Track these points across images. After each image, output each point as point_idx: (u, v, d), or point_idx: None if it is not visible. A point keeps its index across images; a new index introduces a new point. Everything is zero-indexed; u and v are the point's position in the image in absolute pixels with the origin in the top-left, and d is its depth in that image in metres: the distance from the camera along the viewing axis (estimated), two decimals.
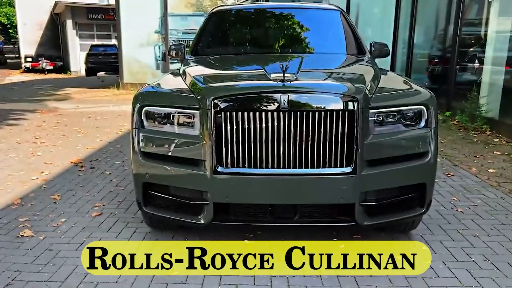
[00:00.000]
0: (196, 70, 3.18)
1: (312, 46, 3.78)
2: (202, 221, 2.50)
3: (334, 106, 2.32)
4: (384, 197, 2.51)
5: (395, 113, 2.48)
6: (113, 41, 27.02)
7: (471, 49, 7.89)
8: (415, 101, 2.54)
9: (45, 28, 29.12)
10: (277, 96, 2.31)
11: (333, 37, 3.96)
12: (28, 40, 28.63)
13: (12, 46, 46.63)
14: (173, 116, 2.52)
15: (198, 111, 2.45)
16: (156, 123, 2.58)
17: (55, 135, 6.54)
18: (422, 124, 2.55)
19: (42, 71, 25.94)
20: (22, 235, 3.07)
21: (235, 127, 2.34)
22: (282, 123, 2.30)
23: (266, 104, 2.32)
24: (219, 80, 2.82)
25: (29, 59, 26.86)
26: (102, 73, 23.17)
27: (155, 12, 11.67)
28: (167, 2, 11.48)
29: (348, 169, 2.34)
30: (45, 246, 2.92)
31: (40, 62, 26.46)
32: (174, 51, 4.20)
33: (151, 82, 3.00)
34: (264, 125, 2.31)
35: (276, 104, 2.30)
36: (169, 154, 2.51)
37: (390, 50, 4.16)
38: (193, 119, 2.48)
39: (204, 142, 2.39)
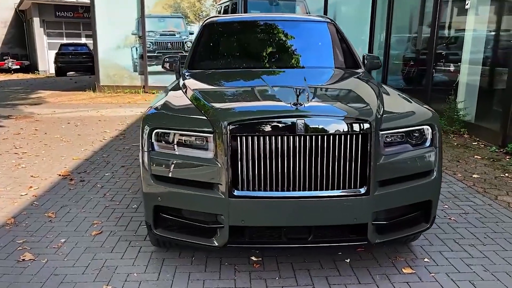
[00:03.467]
0: (202, 88, 3.16)
1: (311, 60, 3.83)
2: (216, 244, 2.51)
3: (349, 129, 2.38)
4: (393, 216, 2.59)
5: (403, 134, 2.56)
6: (84, 40, 26.37)
7: (448, 51, 8.14)
8: (421, 121, 2.63)
9: (9, 25, 28.06)
10: (293, 120, 2.35)
11: (330, 50, 4.03)
12: None
13: None
14: (185, 139, 2.52)
15: (211, 134, 2.45)
16: (168, 145, 2.56)
17: (36, 144, 6.36)
18: (428, 143, 2.65)
19: (8, 70, 25.01)
20: (23, 259, 2.99)
21: (250, 150, 2.36)
22: (298, 147, 2.34)
23: (282, 128, 2.35)
24: (232, 102, 2.82)
25: None
26: (72, 73, 22.59)
27: (132, 13, 11.46)
28: (144, 3, 11.29)
29: (362, 190, 2.41)
30: (50, 270, 2.86)
31: (5, 61, 25.49)
32: (168, 63, 4.16)
33: (155, 102, 2.97)
34: (280, 148, 2.35)
35: (292, 128, 2.34)
36: (182, 177, 2.50)
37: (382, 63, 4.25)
38: (207, 142, 2.48)
39: (219, 165, 2.40)
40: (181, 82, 3.49)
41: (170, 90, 3.30)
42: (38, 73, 24.73)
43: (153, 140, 2.58)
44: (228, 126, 2.36)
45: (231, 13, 11.45)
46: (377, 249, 3.11)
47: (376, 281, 2.76)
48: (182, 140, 2.53)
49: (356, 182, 2.41)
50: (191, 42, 11.79)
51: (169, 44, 11.68)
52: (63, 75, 22.05)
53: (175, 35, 11.73)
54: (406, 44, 10.26)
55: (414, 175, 2.60)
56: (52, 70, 24.33)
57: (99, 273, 2.84)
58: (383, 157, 2.46)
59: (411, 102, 2.89)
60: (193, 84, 3.29)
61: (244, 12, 10.82)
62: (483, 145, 6.23)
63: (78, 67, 22.39)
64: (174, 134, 2.54)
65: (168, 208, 2.60)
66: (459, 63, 7.55)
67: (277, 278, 2.79)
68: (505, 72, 6.19)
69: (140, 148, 2.64)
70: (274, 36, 4.07)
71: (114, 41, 11.65)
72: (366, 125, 2.38)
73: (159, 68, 11.81)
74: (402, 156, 2.54)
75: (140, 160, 2.67)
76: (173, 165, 2.52)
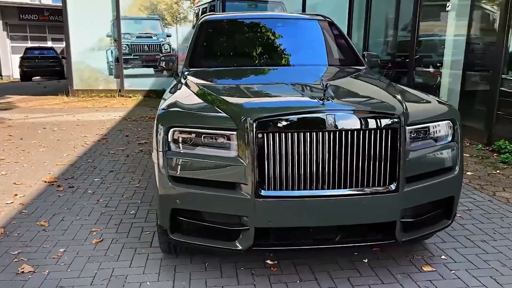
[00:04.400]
0: (213, 86, 3.03)
1: (316, 58, 3.76)
2: (239, 247, 2.38)
3: (379, 124, 2.31)
4: (418, 213, 2.55)
5: (427, 129, 2.53)
6: (50, 44, 25.50)
7: (428, 53, 8.31)
8: (443, 116, 2.61)
9: None
10: (322, 115, 2.26)
11: (334, 48, 3.98)
12: None
13: None
14: (205, 137, 2.38)
15: (234, 132, 2.33)
16: (186, 145, 2.42)
17: (14, 151, 6.01)
18: (450, 138, 2.62)
19: None
20: (23, 271, 2.77)
21: (278, 148, 2.25)
22: (327, 143, 2.25)
23: (310, 123, 2.26)
24: (255, 98, 2.71)
25: None
26: (38, 77, 21.76)
27: (106, 14, 11.12)
28: (119, 5, 10.98)
29: (392, 187, 2.34)
30: (54, 282, 2.65)
31: None
32: (164, 62, 4.01)
33: (164, 103, 2.79)
34: (308, 145, 2.25)
35: (322, 124, 2.25)
36: (203, 178, 2.37)
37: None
38: (229, 140, 2.36)
39: (244, 164, 2.28)
40: (184, 81, 3.35)
41: (174, 90, 3.15)
42: (1, 78, 23.69)
43: (169, 140, 2.43)
44: (254, 123, 2.25)
45: None
46: (393, 248, 3.06)
47: (398, 280, 2.70)
48: (201, 138, 2.39)
49: (386, 179, 2.34)
50: (168, 44, 11.57)
51: (145, 46, 11.40)
52: (29, 79, 21.20)
53: (152, 37, 11.46)
54: (382, 46, 10.41)
55: (438, 170, 2.57)
56: (16, 74, 23.38)
57: (108, 283, 2.65)
58: (410, 152, 2.41)
59: (429, 98, 2.87)
60: (200, 82, 3.16)
61: None
62: (468, 143, 6.35)
63: (45, 71, 21.62)
64: (193, 132, 2.40)
65: (187, 211, 2.45)
66: (439, 65, 7.71)
67: (298, 282, 2.68)
68: (487, 74, 6.35)
69: (155, 148, 2.48)
70: (277, 34, 3.99)
71: (88, 43, 11.27)
72: (395, 120, 2.33)
73: (135, 71, 11.53)
74: (427, 152, 2.50)
75: (155, 161, 2.51)
76: (192, 166, 2.38)
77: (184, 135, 2.42)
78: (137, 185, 4.53)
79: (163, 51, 11.46)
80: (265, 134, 2.25)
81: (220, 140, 2.38)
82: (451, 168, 2.61)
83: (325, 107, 2.29)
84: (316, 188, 2.29)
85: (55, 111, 9.64)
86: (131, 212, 3.79)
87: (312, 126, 2.25)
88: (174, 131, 2.43)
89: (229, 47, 4.06)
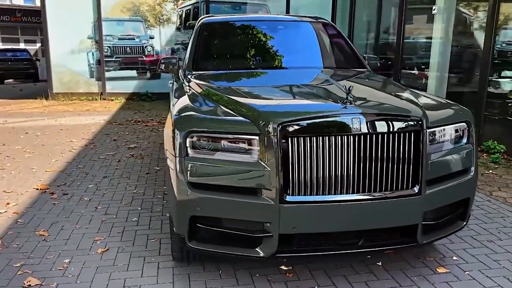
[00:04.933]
0: (227, 89, 2.96)
1: (323, 61, 3.76)
2: (261, 254, 2.33)
3: (403, 126, 2.31)
4: (438, 215, 2.56)
5: (444, 131, 2.54)
6: (23, 45, 24.75)
7: (414, 55, 8.45)
8: (458, 118, 2.63)
9: None
10: (347, 118, 2.24)
11: (337, 51, 3.98)
12: None
13: None
14: (226, 142, 2.32)
15: (256, 136, 2.28)
16: (205, 150, 2.35)
17: None
18: (465, 140, 2.65)
19: None
20: (29, 285, 2.64)
21: (302, 152, 2.22)
22: (352, 146, 2.23)
23: (336, 127, 2.23)
24: (277, 102, 2.66)
25: None
26: (11, 80, 21.06)
27: (87, 16, 10.84)
28: (100, 6, 10.73)
29: (415, 190, 2.34)
30: None
31: None
32: (164, 65, 3.92)
33: (176, 107, 2.71)
34: (333, 148, 2.22)
35: (347, 127, 2.23)
36: (225, 184, 2.30)
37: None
38: (251, 145, 2.31)
39: (268, 169, 2.23)
40: (191, 84, 3.28)
41: (182, 94, 3.06)
42: None
43: (187, 145, 2.36)
44: (279, 127, 2.21)
45: (192, 17, 11.21)
46: (405, 251, 3.07)
47: (415, 282, 2.71)
48: (221, 143, 2.33)
49: (409, 182, 2.34)
50: (151, 46, 11.38)
51: (128, 48, 11.17)
52: (1, 83, 20.49)
53: (134, 39, 11.24)
54: (366, 48, 10.53)
55: (455, 172, 2.59)
56: None
57: None
58: (431, 155, 2.42)
59: (442, 100, 2.89)
60: (210, 85, 3.10)
61: None
62: None
63: (18, 74, 20.93)
64: (212, 137, 2.34)
65: (206, 218, 2.38)
66: (424, 67, 7.85)
67: (316, 287, 2.65)
68: (473, 76, 6.50)
69: (173, 154, 2.39)
70: (279, 36, 3.96)
71: (68, 45, 10.96)
72: (418, 122, 2.33)
73: (118, 73, 11.30)
74: (445, 154, 2.51)
75: (172, 167, 2.43)
76: (213, 171, 2.31)
77: (203, 140, 2.35)
78: (134, 191, 4.41)
79: (145, 53, 11.26)
80: (289, 138, 2.21)
81: (241, 144, 2.32)
82: (467, 170, 2.64)
83: (349, 110, 2.27)
84: (341, 193, 2.27)
85: (35, 115, 9.34)
86: (133, 219, 3.68)
87: (337, 130, 2.23)
88: (193, 136, 2.36)
89: (233, 49, 4.00)
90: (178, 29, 11.35)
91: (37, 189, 4.45)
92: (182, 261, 2.85)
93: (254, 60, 3.78)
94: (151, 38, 11.30)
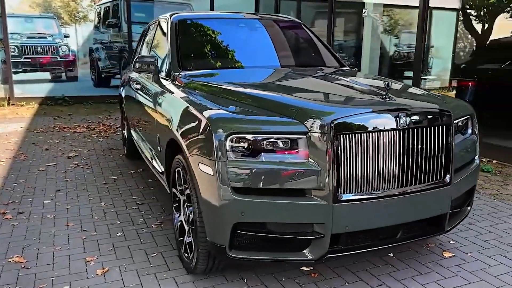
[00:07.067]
0: (250, 87, 2.80)
1: (312, 60, 3.77)
2: (310, 257, 2.26)
3: (440, 120, 2.42)
4: (458, 203, 2.72)
5: (461, 124, 2.73)
6: None
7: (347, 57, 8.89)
8: (466, 111, 2.82)
9: None
10: (394, 114, 2.27)
11: (317, 50, 4.02)
12: None
13: None
14: (269, 143, 2.20)
15: (304, 136, 2.20)
16: (248, 152, 2.21)
17: None
18: (470, 131, 2.85)
19: None
20: None
21: (354, 149, 2.19)
22: (398, 141, 2.27)
23: (384, 122, 2.25)
24: (318, 100, 2.58)
25: None
26: None
27: None
28: (4, 1, 9.53)
29: (447, 179, 2.46)
30: None
31: None
32: (140, 64, 3.60)
33: (202, 109, 2.49)
34: (382, 144, 2.24)
35: (395, 122, 2.26)
36: (272, 186, 2.18)
37: None
38: (297, 144, 2.22)
39: (318, 168, 2.17)
40: (190, 84, 3.08)
41: (192, 95, 2.82)
42: None
43: (227, 148, 2.19)
44: (332, 124, 2.15)
45: (112, 15, 10.51)
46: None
47: (432, 269, 2.84)
48: (263, 144, 2.21)
49: (441, 172, 2.45)
50: (67, 46, 10.43)
51: (39, 48, 10.09)
52: None
53: (46, 37, 10.19)
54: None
55: (468, 162, 2.78)
56: None
57: None
58: (455, 146, 2.56)
59: (445, 96, 3.08)
60: (218, 84, 2.92)
61: (127, 14, 9.99)
62: None
63: None
64: (255, 138, 2.20)
65: (250, 224, 2.23)
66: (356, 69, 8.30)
67: (346, 284, 2.66)
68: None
69: (214, 158, 2.19)
70: (260, 34, 3.88)
71: None
72: (449, 115, 2.45)
73: (28, 76, 10.18)
74: (461, 145, 2.68)
75: (209, 173, 2.23)
76: (258, 174, 2.18)
77: (244, 142, 2.20)
78: (101, 203, 4.00)
79: (60, 53, 10.29)
80: (341, 136, 2.17)
81: (287, 144, 2.22)
82: (474, 159, 2.85)
83: (396, 106, 2.32)
84: (389, 188, 2.29)
85: None
86: (117, 234, 3.33)
87: (384, 126, 2.24)
88: (233, 138, 2.20)
89: (222, 46, 3.80)
90: (96, 27, 10.57)
91: None
92: (205, 273, 2.65)
93: (250, 60, 3.63)
94: (66, 37, 10.36)
